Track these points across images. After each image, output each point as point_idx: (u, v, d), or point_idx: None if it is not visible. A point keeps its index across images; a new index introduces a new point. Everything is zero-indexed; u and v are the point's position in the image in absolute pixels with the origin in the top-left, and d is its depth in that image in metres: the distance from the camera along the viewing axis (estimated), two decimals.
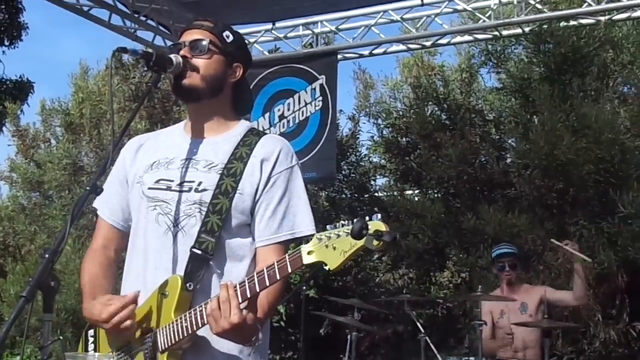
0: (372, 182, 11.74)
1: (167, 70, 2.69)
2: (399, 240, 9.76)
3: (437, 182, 9.84)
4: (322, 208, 11.55)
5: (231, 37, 2.86)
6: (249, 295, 2.43)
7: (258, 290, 2.42)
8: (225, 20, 8.87)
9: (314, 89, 8.76)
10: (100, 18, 8.02)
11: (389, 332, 10.24)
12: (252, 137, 2.81)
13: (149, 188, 2.77)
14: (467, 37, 8.99)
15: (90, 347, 2.81)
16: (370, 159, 11.93)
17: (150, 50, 2.69)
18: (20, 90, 16.75)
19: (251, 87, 8.90)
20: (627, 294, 8.20)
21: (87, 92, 12.44)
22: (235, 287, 2.43)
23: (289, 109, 8.88)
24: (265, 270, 2.40)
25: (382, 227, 2.15)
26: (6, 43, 18.30)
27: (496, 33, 8.60)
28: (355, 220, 2.16)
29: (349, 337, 7.02)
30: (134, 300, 2.59)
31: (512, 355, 6.68)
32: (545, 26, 8.52)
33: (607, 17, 8.05)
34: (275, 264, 2.38)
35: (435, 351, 6.46)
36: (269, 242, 2.69)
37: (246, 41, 9.15)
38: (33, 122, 13.69)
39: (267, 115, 8.98)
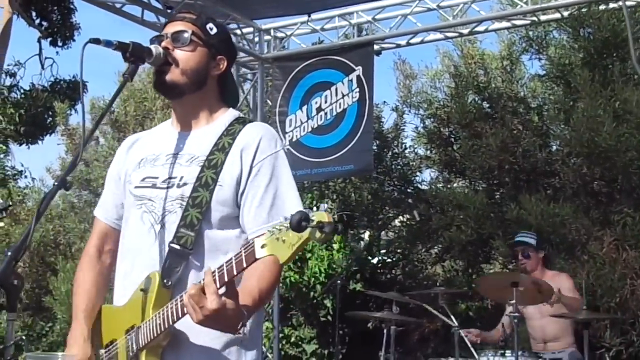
0: (418, 174, 11.63)
1: (146, 61, 2.64)
2: (442, 232, 9.65)
3: (480, 172, 9.71)
4: (366, 201, 11.49)
5: (214, 29, 2.79)
6: (225, 280, 2.34)
7: (226, 279, 2.34)
8: (259, 14, 8.88)
9: (351, 80, 8.69)
10: (133, 15, 8.01)
11: (439, 325, 10.12)
12: (236, 125, 2.74)
13: (136, 187, 2.74)
14: (504, 24, 8.80)
15: None
16: (416, 151, 11.81)
17: (126, 41, 2.63)
18: (74, 90, 17.05)
19: (288, 80, 9.02)
20: None
21: (132, 89, 12.57)
22: (213, 272, 2.35)
23: (326, 102, 8.82)
24: (224, 265, 2.33)
25: (325, 217, 2.09)
26: (59, 44, 18.63)
27: (534, 18, 8.40)
28: (294, 212, 2.10)
29: (385, 331, 6.94)
30: None
31: (542, 347, 6.58)
32: (584, 10, 8.34)
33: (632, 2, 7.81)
34: (233, 258, 2.31)
35: (469, 344, 6.36)
36: (260, 233, 2.54)
37: (283, 34, 9.26)
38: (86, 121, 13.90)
39: (304, 108, 8.94)
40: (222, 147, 2.67)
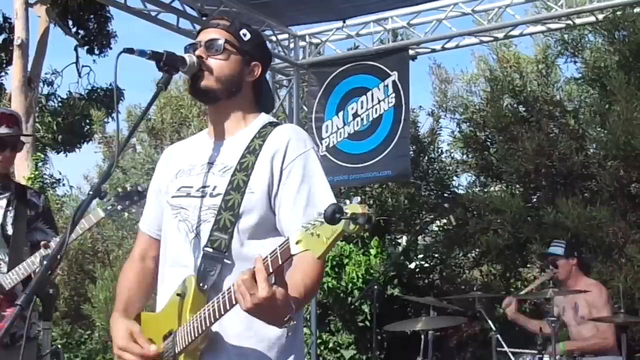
0: (455, 178, 11.63)
1: (180, 70, 2.67)
2: (479, 236, 9.65)
3: (517, 176, 9.69)
4: (403, 206, 11.50)
5: (248, 36, 2.81)
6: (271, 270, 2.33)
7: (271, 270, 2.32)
8: (294, 20, 8.95)
9: (387, 85, 8.73)
10: (169, 23, 8.06)
11: (477, 330, 10.11)
12: (268, 128, 2.76)
13: (172, 196, 2.78)
14: (539, 27, 8.80)
15: None
16: (452, 155, 11.81)
17: (160, 50, 2.65)
18: (111, 98, 17.22)
19: (324, 86, 9.07)
20: None
21: (168, 97, 12.69)
22: (265, 259, 2.32)
23: (362, 107, 8.87)
24: (269, 256, 2.31)
25: (358, 209, 2.08)
26: (96, 52, 18.85)
27: (569, 22, 8.39)
28: (328, 204, 2.11)
29: (423, 336, 6.95)
30: (149, 354, 2.65)
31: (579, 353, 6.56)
32: (619, 13, 8.32)
33: None
34: (268, 256, 2.30)
35: (506, 348, 6.35)
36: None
37: (319, 40, 9.30)
38: (120, 129, 14.07)
39: (340, 114, 8.99)
40: (253, 150, 2.69)
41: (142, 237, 2.98)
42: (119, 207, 4.28)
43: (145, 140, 13.13)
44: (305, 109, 9.43)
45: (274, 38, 9.06)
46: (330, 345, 10.83)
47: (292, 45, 9.35)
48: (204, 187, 2.72)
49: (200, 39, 2.78)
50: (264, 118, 2.85)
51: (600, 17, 8.37)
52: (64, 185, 18.18)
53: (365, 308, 10.60)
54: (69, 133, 19.20)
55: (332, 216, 2.08)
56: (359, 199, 2.11)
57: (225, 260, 2.61)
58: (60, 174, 17.43)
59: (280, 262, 2.27)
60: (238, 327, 2.55)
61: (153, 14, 7.95)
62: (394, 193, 11.68)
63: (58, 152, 19.92)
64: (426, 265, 11.57)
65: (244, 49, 2.79)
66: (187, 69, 2.67)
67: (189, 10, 8.10)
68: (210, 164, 2.75)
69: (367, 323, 10.70)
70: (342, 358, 10.85)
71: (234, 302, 2.39)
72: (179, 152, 2.94)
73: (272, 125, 2.79)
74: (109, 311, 11.49)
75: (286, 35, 9.26)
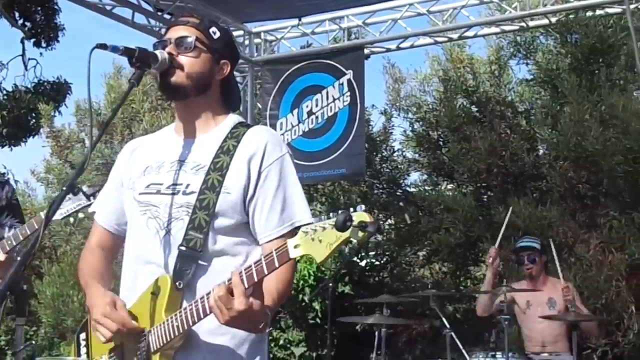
0: (406, 177, 11.70)
1: (152, 67, 2.65)
2: (431, 234, 9.74)
3: (469, 175, 9.80)
4: (355, 204, 11.52)
5: (218, 34, 2.81)
6: (255, 280, 2.39)
7: (256, 279, 2.39)
8: (250, 17, 8.93)
9: (342, 84, 8.76)
10: (124, 17, 8.03)
11: (426, 327, 10.20)
12: (240, 128, 2.77)
13: (140, 193, 2.76)
14: (493, 29, 8.94)
15: (82, 350, 2.83)
16: (404, 154, 11.89)
17: (132, 46, 2.65)
18: (58, 91, 16.94)
19: (279, 83, 9.07)
20: None
21: (120, 91, 12.55)
22: (240, 273, 2.40)
23: (317, 105, 8.89)
24: (253, 266, 2.38)
25: (367, 218, 2.15)
26: (43, 45, 18.50)
27: (523, 24, 8.53)
28: (339, 212, 2.16)
29: (376, 333, 6.99)
30: (129, 327, 2.60)
31: (540, 349, 6.65)
32: (571, 16, 8.47)
33: (633, 5, 7.93)
34: (263, 259, 2.36)
35: (461, 346, 6.40)
36: (273, 237, 2.65)
37: (274, 37, 9.29)
38: (69, 123, 13.90)
39: (295, 111, 9.00)
40: (226, 150, 2.70)
41: (98, 229, 2.94)
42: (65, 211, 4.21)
43: (94, 135, 12.94)
44: (260, 106, 9.42)
45: None
46: (281, 342, 10.83)
47: (247, 42, 9.34)
48: (175, 184, 2.71)
49: (170, 36, 2.77)
50: (233, 118, 2.86)
51: (553, 20, 8.52)
52: (8, 179, 17.82)
53: (316, 305, 10.62)
54: (15, 126, 18.80)
55: (344, 224, 2.14)
56: (363, 207, 2.16)
57: (200, 260, 2.62)
58: (5, 168, 17.07)
59: (276, 265, 2.33)
60: (211, 324, 2.54)
61: (108, 7, 7.92)
62: (345, 191, 11.71)
63: (3, 146, 19.52)
64: (377, 263, 11.63)
65: (214, 47, 2.79)
66: (158, 65, 2.66)
67: (144, 4, 8.06)
68: (181, 161, 2.74)
69: (318, 320, 10.74)
70: (293, 355, 10.85)
71: (208, 312, 2.45)
72: (144, 147, 2.91)
73: (244, 125, 2.81)
74: (55, 307, 11.38)
75: (241, 32, 9.23)
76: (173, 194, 2.69)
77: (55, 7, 18.28)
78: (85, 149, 13.11)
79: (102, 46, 2.56)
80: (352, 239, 2.17)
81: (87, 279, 2.83)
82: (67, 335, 10.92)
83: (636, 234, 8.02)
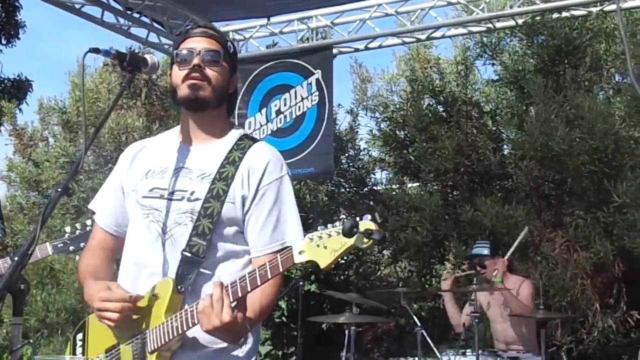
0: (372, 176, 11.76)
1: (142, 70, 2.70)
2: (398, 233, 9.79)
3: (435, 174, 9.87)
4: (322, 202, 11.58)
5: (232, 48, 2.89)
6: (240, 295, 2.48)
7: (249, 289, 2.48)
8: (219, 16, 8.87)
9: (310, 83, 8.79)
10: (93, 16, 7.99)
11: (392, 326, 10.26)
12: (246, 141, 2.85)
13: (143, 197, 2.80)
14: (461, 30, 9.03)
15: (78, 350, 2.85)
16: (370, 153, 11.96)
17: (123, 51, 2.71)
18: (19, 89, 16.76)
19: (247, 83, 9.05)
20: (624, 283, 8.22)
21: (85, 90, 12.40)
22: (227, 286, 2.48)
23: (285, 104, 8.91)
24: (257, 270, 2.46)
25: (372, 226, 2.26)
26: (3, 42, 18.27)
27: (490, 25, 8.64)
28: (345, 219, 2.24)
29: (347, 332, 7.03)
30: (131, 301, 2.64)
31: (505, 347, 6.76)
32: (538, 18, 8.55)
33: (598, 8, 8.06)
34: (267, 263, 2.45)
35: (432, 344, 6.47)
36: (262, 253, 2.73)
37: (242, 37, 9.24)
38: (31, 121, 13.75)
39: (263, 110, 9.02)
40: (232, 161, 2.76)
41: (98, 230, 2.99)
42: (71, 249, 4.24)
43: (59, 133, 12.85)
44: None
45: None
46: None
47: None
48: (179, 190, 2.76)
49: (195, 46, 2.80)
50: (238, 130, 2.93)
51: (520, 21, 8.62)
52: None
53: (282, 304, 10.64)
54: None
55: (350, 230, 2.23)
56: (369, 216, 2.25)
57: (202, 265, 2.68)
58: None
59: (280, 270, 2.43)
60: None
61: (77, 6, 7.87)
62: (312, 190, 11.74)
63: None
64: (342, 261, 11.67)
65: (230, 61, 2.86)
66: (148, 70, 2.71)
67: (113, 3, 8.03)
68: (186, 168, 2.79)
69: (284, 319, 10.76)
70: (258, 354, 10.74)
71: (196, 322, 2.53)
72: (147, 151, 2.95)
73: (250, 139, 2.89)
74: None
75: None
76: (179, 199, 2.74)
77: (16, 3, 18.07)
78: (48, 147, 13.00)
79: (95, 50, 2.62)
80: (357, 246, 2.25)
81: (84, 277, 2.87)
82: (30, 335, 10.79)
83: (601, 233, 8.14)
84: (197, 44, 2.80)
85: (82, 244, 4.17)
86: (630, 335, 8.37)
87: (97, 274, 2.84)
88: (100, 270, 2.87)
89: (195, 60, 2.75)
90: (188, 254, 2.67)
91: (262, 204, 2.74)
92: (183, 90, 2.77)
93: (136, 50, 8.43)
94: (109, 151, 11.79)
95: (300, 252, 2.36)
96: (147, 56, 2.70)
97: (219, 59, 2.79)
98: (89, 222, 4.25)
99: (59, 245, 4.21)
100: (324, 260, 2.30)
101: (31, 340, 8.55)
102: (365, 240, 2.25)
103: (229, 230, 2.72)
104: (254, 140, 2.88)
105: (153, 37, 8.64)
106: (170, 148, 2.88)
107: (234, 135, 2.88)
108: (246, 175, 2.74)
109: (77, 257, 3.48)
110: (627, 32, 8.19)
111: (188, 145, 2.85)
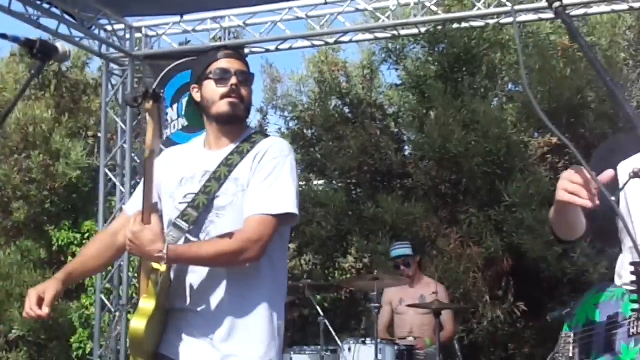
0: None
1: (52, 58, 2.71)
2: (303, 227, 10.11)
3: (340, 172, 10.21)
4: None
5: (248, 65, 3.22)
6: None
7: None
8: (132, 11, 8.80)
9: None
10: (0, 4, 7.62)
11: (295, 316, 10.53)
12: (257, 135, 3.14)
13: (179, 202, 3.07)
14: (367, 35, 9.26)
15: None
16: None
17: (33, 37, 2.64)
18: None
19: (159, 78, 9.15)
20: (511, 276, 8.76)
21: None
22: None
23: None
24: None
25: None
26: None
27: (395, 32, 8.86)
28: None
29: None
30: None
31: (407, 334, 7.19)
32: (439, 27, 8.90)
33: (494, 20, 8.49)
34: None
35: (334, 333, 6.76)
36: (247, 214, 2.96)
37: (154, 32, 9.29)
38: None
39: (175, 106, 9.11)
40: (240, 151, 3.06)
41: (123, 216, 3.28)
42: None
43: None
44: None
45: (109, 27, 8.99)
46: None
47: (127, 36, 9.32)
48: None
49: (229, 67, 3.10)
50: (251, 128, 3.26)
51: (423, 30, 8.89)
52: None
53: None
54: None
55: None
56: None
57: (187, 235, 3.01)
58: None
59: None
60: (223, 332, 2.98)
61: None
62: None
63: None
64: None
65: (251, 79, 3.20)
66: (59, 57, 2.73)
67: None
68: (209, 171, 3.06)
69: None
70: None
71: None
72: (179, 159, 3.22)
73: (262, 134, 3.20)
74: None
75: (122, 26, 9.18)
76: None
77: None
78: None
79: (2, 36, 2.58)
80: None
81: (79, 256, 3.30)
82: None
83: (492, 230, 8.64)
84: (231, 64, 3.10)
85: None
86: (516, 325, 8.91)
87: (84, 262, 3.23)
88: (85, 261, 3.24)
89: (233, 80, 3.06)
90: (179, 221, 3.01)
91: (259, 172, 2.99)
92: (222, 107, 3.06)
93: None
94: (15, 141, 11.66)
95: None
96: (57, 43, 2.72)
97: (250, 79, 3.14)
98: None
99: None
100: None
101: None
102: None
103: (221, 202, 3.01)
104: (266, 135, 3.18)
105: (63, 29, 8.35)
106: (197, 155, 3.16)
107: (247, 132, 3.16)
108: (251, 159, 3.02)
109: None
110: (521, 44, 8.71)
111: (212, 150, 3.13)
